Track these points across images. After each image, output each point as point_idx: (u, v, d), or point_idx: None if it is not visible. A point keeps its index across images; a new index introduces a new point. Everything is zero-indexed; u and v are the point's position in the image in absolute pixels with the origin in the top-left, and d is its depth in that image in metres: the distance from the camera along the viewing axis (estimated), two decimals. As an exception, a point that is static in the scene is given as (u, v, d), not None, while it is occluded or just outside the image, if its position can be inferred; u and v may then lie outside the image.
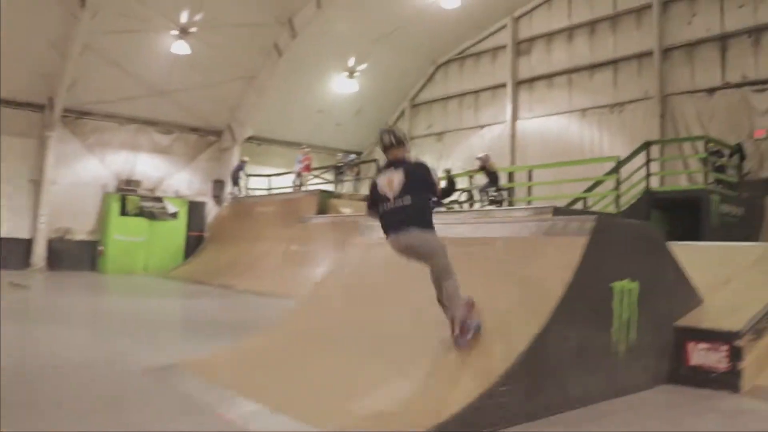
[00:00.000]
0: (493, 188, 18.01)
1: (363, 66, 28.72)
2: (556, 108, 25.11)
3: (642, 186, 16.69)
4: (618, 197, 16.16)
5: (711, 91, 21.01)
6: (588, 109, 24.05)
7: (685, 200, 16.14)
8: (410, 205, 5.52)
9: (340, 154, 25.79)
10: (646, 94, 22.39)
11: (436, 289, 5.56)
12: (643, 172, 16.96)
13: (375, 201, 5.81)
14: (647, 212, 16.36)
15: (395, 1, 25.14)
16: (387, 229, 5.67)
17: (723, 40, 20.97)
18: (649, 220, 16.30)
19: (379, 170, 6.05)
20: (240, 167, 26.61)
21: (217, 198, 28.47)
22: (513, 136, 26.28)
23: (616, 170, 16.96)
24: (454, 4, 24.61)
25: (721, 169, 18.04)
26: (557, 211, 11.80)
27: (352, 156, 25.44)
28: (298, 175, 24.34)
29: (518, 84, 26.62)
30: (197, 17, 23.58)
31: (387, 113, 31.85)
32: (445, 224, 6.50)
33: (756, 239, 16.84)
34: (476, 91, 28.36)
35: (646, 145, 16.75)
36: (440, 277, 5.49)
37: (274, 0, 24.03)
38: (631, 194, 17.07)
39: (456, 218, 10.79)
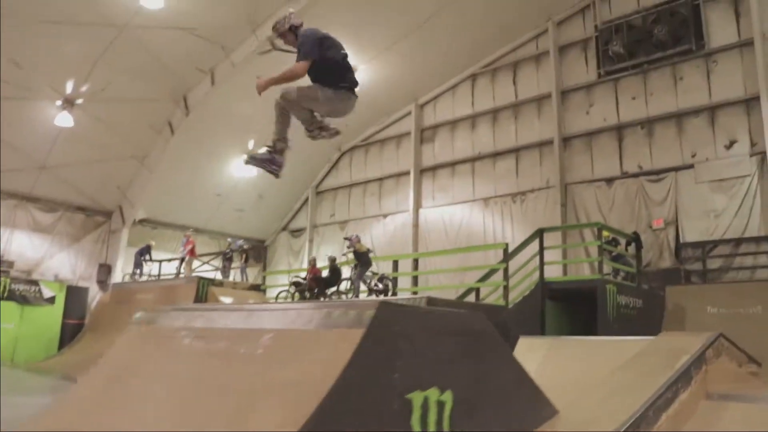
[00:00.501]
0: (368, 273, 16.63)
1: (263, 150, 27.43)
2: (459, 196, 24.42)
3: (536, 276, 15.65)
4: (506, 288, 15.00)
5: (610, 180, 20.66)
6: (491, 198, 23.42)
7: (582, 291, 15.16)
8: None
9: (230, 239, 24.22)
10: (547, 183, 21.90)
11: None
12: (537, 262, 15.95)
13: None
14: (541, 303, 15.28)
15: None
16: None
17: (619, 130, 20.82)
18: (543, 312, 15.27)
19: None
20: (145, 250, 24.62)
21: (102, 283, 26.20)
22: (416, 225, 25.28)
23: (505, 259, 15.97)
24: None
25: (618, 258, 17.28)
26: (430, 302, 10.49)
27: (240, 241, 23.89)
28: (182, 260, 22.53)
29: (422, 172, 25.94)
30: (83, 88, 22.07)
31: (290, 200, 30.65)
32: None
33: (656, 332, 15.95)
34: (380, 179, 27.55)
35: (539, 233, 15.85)
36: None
37: (166, 75, 22.70)
38: (525, 285, 15.99)
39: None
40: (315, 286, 18.18)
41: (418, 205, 25.61)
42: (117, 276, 25.84)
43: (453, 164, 24.90)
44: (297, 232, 30.59)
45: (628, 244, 17.19)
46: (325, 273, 19.16)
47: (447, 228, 23.89)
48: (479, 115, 24.39)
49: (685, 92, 19.66)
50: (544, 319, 15.28)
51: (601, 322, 14.52)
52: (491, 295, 16.74)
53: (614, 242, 17.48)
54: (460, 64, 24.90)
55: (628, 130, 20.64)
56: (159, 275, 25.04)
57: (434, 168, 25.56)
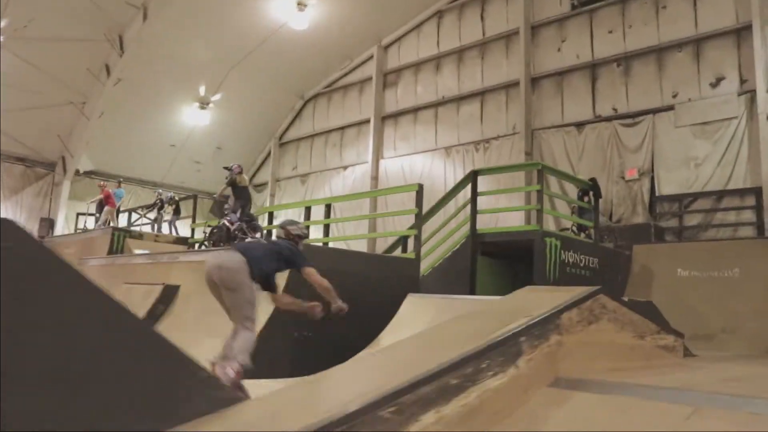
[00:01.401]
0: (245, 211, 14.05)
1: (217, 96, 25.05)
2: (421, 145, 21.89)
3: (468, 227, 13.14)
4: (417, 238, 12.42)
5: (580, 125, 17.99)
6: (453, 146, 20.84)
7: (518, 245, 12.63)
8: None
9: (159, 191, 21.82)
10: (513, 129, 19.29)
11: None
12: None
13: None
14: (471, 259, 12.78)
15: (241, 20, 21.67)
16: None
17: (593, 68, 18.08)
18: (473, 268, 12.77)
19: None
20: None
21: (43, 239, 23.98)
22: (375, 177, 22.75)
23: (418, 203, 13.49)
24: (302, 26, 21.41)
25: (584, 212, 14.71)
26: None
27: (170, 193, 21.45)
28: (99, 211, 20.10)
29: (383, 119, 23.38)
30: (2, 23, 19.61)
31: (252, 151, 28.22)
32: None
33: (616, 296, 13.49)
34: (342, 128, 25.05)
35: (472, 175, 13.28)
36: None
37: (97, 11, 20.13)
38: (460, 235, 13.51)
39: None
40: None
41: (378, 155, 23.10)
42: (60, 230, 23.68)
43: (416, 110, 22.32)
44: (259, 187, 28.21)
45: (584, 193, 14.56)
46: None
47: (407, 179, 21.34)
48: (444, 55, 21.72)
49: (669, 23, 16.84)
50: (475, 278, 12.80)
51: (537, 281, 12.00)
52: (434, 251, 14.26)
53: (582, 193, 14.89)
54: (425, 0, 22.11)
55: (603, 68, 17.92)
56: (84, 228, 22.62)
57: (396, 115, 22.98)
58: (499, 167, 17.74)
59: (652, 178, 16.56)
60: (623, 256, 14.77)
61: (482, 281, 13.04)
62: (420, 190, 12.54)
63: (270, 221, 15.78)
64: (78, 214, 23.42)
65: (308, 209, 14.07)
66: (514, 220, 17.31)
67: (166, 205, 19.91)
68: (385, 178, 22.50)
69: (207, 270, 5.31)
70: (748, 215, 15.17)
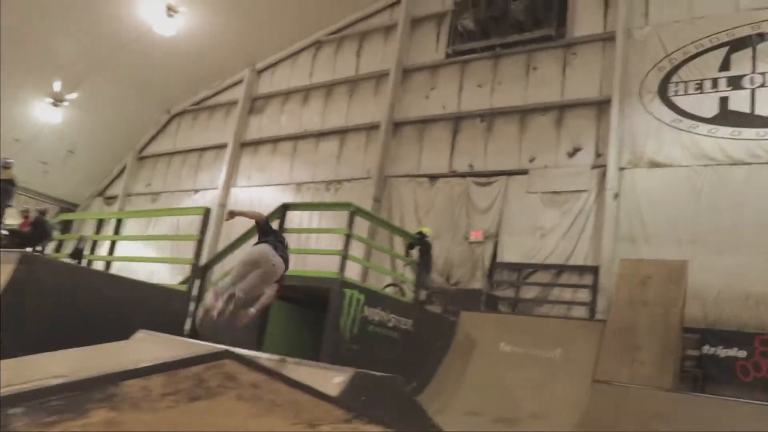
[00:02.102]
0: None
1: (73, 95, 22.59)
2: (276, 178, 20.17)
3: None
4: (195, 266, 10.52)
5: (434, 177, 16.61)
6: (305, 183, 19.11)
7: (318, 293, 10.86)
8: None
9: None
10: (368, 173, 17.70)
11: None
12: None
13: None
14: (268, 300, 10.88)
15: (109, 19, 19.62)
16: None
17: (457, 120, 16.89)
18: (267, 312, 10.86)
19: None
20: None
21: None
22: (223, 204, 20.71)
23: (203, 225, 11.68)
24: (169, 32, 19.50)
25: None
26: None
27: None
28: None
29: (242, 146, 21.49)
30: None
31: (108, 161, 25.73)
32: None
33: (426, 365, 11.93)
34: (202, 150, 23.04)
35: (282, 209, 11.59)
36: None
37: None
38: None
39: None
40: (13, 238, 13.47)
41: (229, 182, 21.12)
42: None
43: (276, 141, 20.63)
44: (111, 200, 25.63)
45: (410, 247, 12.97)
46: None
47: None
48: (315, 87, 20.24)
49: (537, 85, 15.92)
50: (266, 324, 10.91)
51: (328, 338, 10.22)
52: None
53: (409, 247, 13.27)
54: (305, 28, 20.76)
55: (466, 121, 16.76)
56: None
57: (256, 143, 21.22)
58: (310, 204, 16.32)
59: (496, 244, 15.24)
60: (447, 321, 13.24)
61: (276, 327, 11.17)
62: (206, 214, 10.66)
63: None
64: None
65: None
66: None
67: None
68: (233, 206, 20.41)
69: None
70: (584, 295, 13.96)
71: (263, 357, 7.33)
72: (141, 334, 8.31)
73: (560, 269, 14.33)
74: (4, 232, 13.21)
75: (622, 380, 10.75)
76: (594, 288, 13.69)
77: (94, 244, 13.22)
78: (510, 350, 12.56)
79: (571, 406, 10.77)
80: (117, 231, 12.08)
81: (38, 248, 13.75)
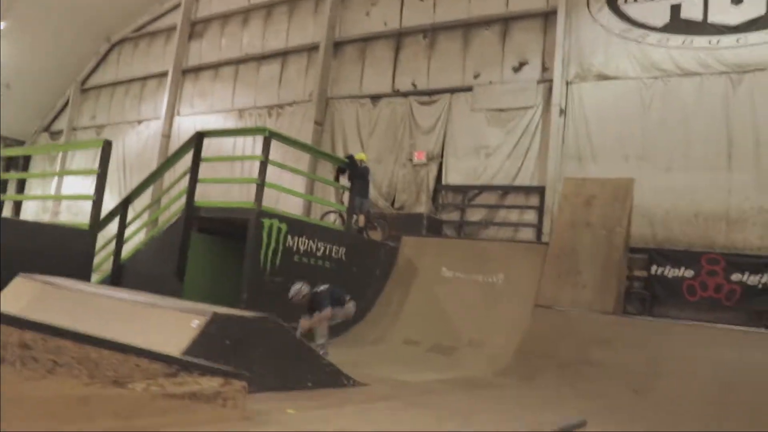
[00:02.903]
0: None
1: (2, 24, 20.73)
2: (218, 105, 18.87)
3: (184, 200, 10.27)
4: (96, 203, 9.36)
5: (377, 98, 15.40)
6: (247, 109, 17.83)
7: (235, 223, 9.82)
8: None
9: None
10: (309, 96, 16.41)
11: None
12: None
13: None
14: (183, 235, 9.88)
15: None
16: None
17: (399, 37, 15.60)
18: (183, 246, 9.88)
19: None
20: None
21: None
22: (167, 135, 19.40)
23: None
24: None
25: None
26: None
27: None
28: None
29: (184, 73, 19.98)
30: None
31: (50, 95, 24.04)
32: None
33: (361, 293, 11.08)
34: (144, 79, 21.52)
35: (197, 137, 10.45)
36: None
37: None
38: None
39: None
40: None
41: (172, 111, 19.75)
42: None
43: (217, 66, 19.17)
44: (57, 135, 24.09)
45: (339, 171, 11.88)
46: None
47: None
48: (254, 8, 18.66)
49: (482, -4, 14.49)
50: (185, 258, 9.89)
51: (248, 271, 9.24)
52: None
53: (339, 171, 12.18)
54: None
55: (409, 38, 15.47)
56: None
57: (197, 70, 19.73)
58: (225, 130, 15.21)
59: (441, 165, 14.21)
60: (386, 247, 12.31)
61: (197, 261, 10.17)
62: (106, 147, 9.47)
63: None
64: None
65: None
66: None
67: None
68: (177, 136, 19.13)
69: None
70: (531, 217, 13.07)
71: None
72: (20, 279, 7.30)
73: (506, 190, 13.41)
74: None
75: (564, 304, 10.03)
76: (540, 209, 12.80)
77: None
78: (452, 275, 11.73)
79: (510, 332, 10.01)
80: (26, 168, 10.82)
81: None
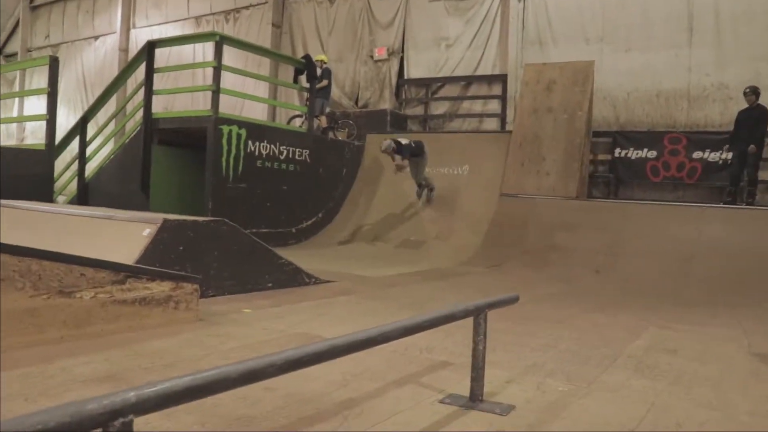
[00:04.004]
0: None
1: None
2: (173, 14, 17.90)
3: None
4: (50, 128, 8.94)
5: (333, -5, 14.54)
6: (204, 16, 16.92)
7: (193, 132, 9.42)
8: None
9: None
10: (266, -1, 15.50)
11: None
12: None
13: None
14: (146, 148, 9.48)
15: None
16: None
17: (353, -73, 14.49)
18: (145, 160, 9.50)
19: None
20: None
21: None
22: (125, 49, 18.48)
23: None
24: None
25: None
26: None
27: None
28: None
29: (137, -19, 18.76)
30: None
31: (-1, 15, 22.55)
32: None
33: (335, 197, 10.86)
34: (95, -10, 20.11)
35: (148, 46, 9.90)
36: None
37: None
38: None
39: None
40: None
41: (128, 24, 18.78)
42: None
43: (169, -30, 17.95)
44: (11, 57, 22.89)
45: (298, 73, 11.35)
46: None
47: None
48: None
49: None
50: (148, 171, 9.53)
51: (210, 179, 8.91)
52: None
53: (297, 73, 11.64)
54: None
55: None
56: None
57: (150, -25, 18.48)
58: (176, 38, 14.36)
59: (402, 60, 13.66)
60: (351, 146, 11.98)
61: (162, 175, 9.83)
62: (54, 64, 8.90)
63: None
64: None
65: None
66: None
67: None
68: (135, 50, 18.05)
69: None
70: (495, 106, 12.70)
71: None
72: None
73: (468, 81, 12.97)
74: None
75: (528, 192, 9.84)
76: (503, 98, 12.43)
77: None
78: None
79: (476, 223, 9.89)
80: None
81: None
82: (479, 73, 12.79)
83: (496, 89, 12.62)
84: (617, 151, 11.02)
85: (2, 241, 3.10)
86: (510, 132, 10.88)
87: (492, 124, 12.67)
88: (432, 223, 10.34)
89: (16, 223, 6.03)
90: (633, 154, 10.93)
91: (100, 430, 1.07)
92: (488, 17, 12.67)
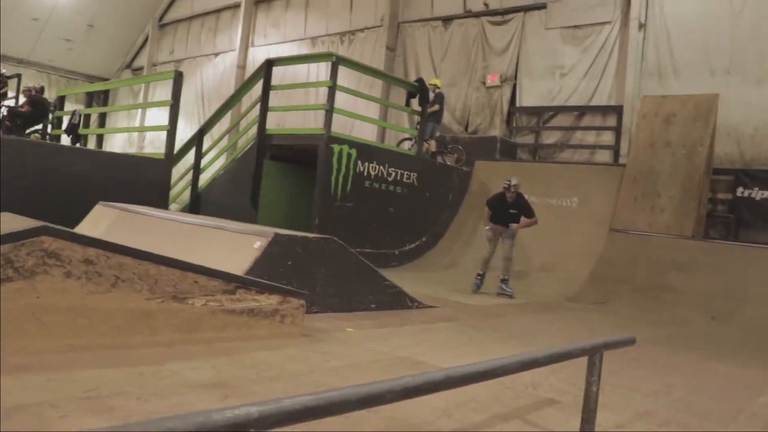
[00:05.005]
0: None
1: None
2: (291, 34, 18.67)
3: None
4: (171, 134, 9.50)
5: (448, 20, 14.86)
6: (320, 37, 17.62)
7: (305, 150, 9.83)
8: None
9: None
10: (381, 21, 16.00)
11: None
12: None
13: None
14: (256, 163, 9.99)
15: None
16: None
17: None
18: (257, 174, 10.01)
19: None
20: None
21: None
22: (242, 66, 19.47)
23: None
24: None
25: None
26: None
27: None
28: None
29: (257, 3, 19.83)
30: None
31: (129, 32, 24.43)
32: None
33: (442, 220, 11.00)
34: (218, 11, 21.48)
35: (266, 65, 10.39)
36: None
37: None
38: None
39: None
40: (14, 120, 12.61)
41: (247, 42, 19.76)
42: None
43: (289, -6, 18.81)
44: (138, 71, 24.64)
45: (411, 96, 11.61)
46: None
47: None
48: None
49: None
50: (259, 185, 10.04)
51: (318, 196, 9.27)
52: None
53: (409, 96, 11.90)
54: None
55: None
56: None
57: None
58: (293, 57, 14.88)
59: (514, 87, 13.69)
60: (459, 172, 12.11)
61: (271, 190, 10.31)
62: (178, 78, 9.56)
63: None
64: None
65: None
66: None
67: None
68: (252, 67, 19.07)
69: None
70: (608, 138, 12.49)
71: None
72: (99, 207, 7.57)
73: (582, 111, 12.83)
74: (3, 112, 12.37)
75: (640, 228, 9.61)
76: (618, 130, 12.20)
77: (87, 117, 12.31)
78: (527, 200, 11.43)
79: (583, 257, 9.75)
80: (105, 103, 11.10)
81: (38, 127, 12.93)
82: (594, 103, 12.62)
83: (611, 120, 12.41)
84: (740, 190, 10.54)
85: (123, 244, 3.41)
86: (623, 165, 10.66)
87: (604, 156, 12.46)
88: (537, 253, 10.25)
89: (136, 226, 6.53)
90: (758, 194, 10.43)
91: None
92: (606, 46, 12.52)
